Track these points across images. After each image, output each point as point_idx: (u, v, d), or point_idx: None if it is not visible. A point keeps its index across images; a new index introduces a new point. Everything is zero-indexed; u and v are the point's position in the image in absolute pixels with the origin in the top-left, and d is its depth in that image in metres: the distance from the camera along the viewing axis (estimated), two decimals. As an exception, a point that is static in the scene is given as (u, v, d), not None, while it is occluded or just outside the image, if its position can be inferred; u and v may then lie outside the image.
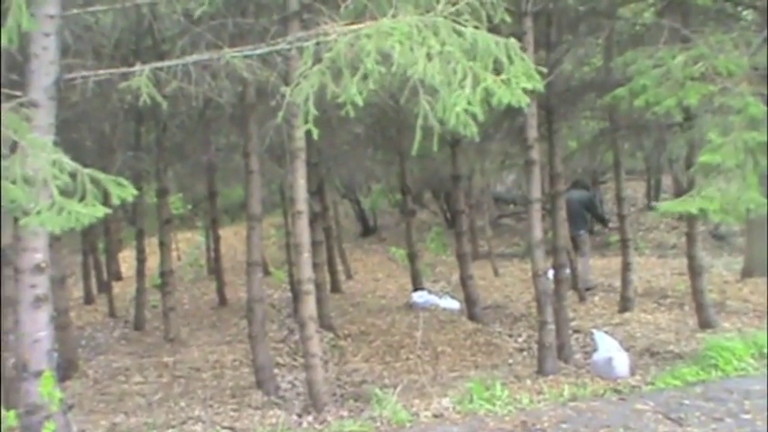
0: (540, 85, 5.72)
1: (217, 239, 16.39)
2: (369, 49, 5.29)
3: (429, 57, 5.31)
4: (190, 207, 25.49)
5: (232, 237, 22.79)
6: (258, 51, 6.65)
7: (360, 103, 5.36)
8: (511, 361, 10.08)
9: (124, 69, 6.56)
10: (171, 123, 12.06)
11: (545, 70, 6.05)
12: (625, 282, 12.27)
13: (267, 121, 9.19)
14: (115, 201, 5.56)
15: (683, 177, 17.45)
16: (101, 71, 6.64)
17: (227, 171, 15.45)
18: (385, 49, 5.30)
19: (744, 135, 6.87)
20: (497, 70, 5.51)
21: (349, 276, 18.31)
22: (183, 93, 7.64)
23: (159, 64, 6.67)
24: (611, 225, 17.87)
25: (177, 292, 14.19)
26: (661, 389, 7.66)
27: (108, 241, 18.64)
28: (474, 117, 5.34)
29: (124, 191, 5.58)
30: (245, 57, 6.70)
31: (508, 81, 5.47)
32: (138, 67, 6.26)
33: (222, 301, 15.53)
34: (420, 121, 5.39)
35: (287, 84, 6.48)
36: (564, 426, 6.69)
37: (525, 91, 5.56)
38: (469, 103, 5.29)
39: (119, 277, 19.01)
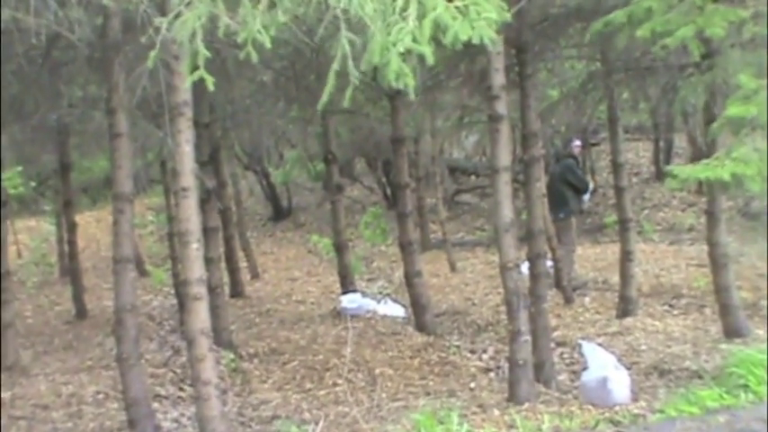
0: (507, 16, 5.71)
1: (72, 228, 16.18)
2: (276, -33, 5.26)
3: (357, -23, 5.27)
4: (33, 185, 25.14)
5: (93, 225, 22.59)
6: (123, -31, 6.59)
7: (267, 43, 5.32)
8: (473, 385, 10.17)
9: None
10: (4, 69, 11.86)
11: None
12: (625, 277, 12.44)
13: (138, 66, 9.09)
14: None
15: (701, 136, 17.79)
16: None
17: (85, 135, 15.27)
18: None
19: (785, 77, 6.92)
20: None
21: (255, 276, 18.29)
22: (18, 26, 7.51)
23: (-15, -13, 6.57)
24: (608, 202, 18.04)
25: (17, 302, 14.00)
26: (673, 418, 7.76)
27: None
28: (422, 60, 5.31)
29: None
30: (106, -24, 6.64)
31: (466, 9, 5.42)
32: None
33: (81, 312, 15.37)
34: (336, 66, 5.36)
35: (163, 13, 6.42)
36: (544, 470, 6.80)
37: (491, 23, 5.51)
38: (414, 40, 5.25)
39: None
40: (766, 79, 6.98)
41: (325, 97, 5.42)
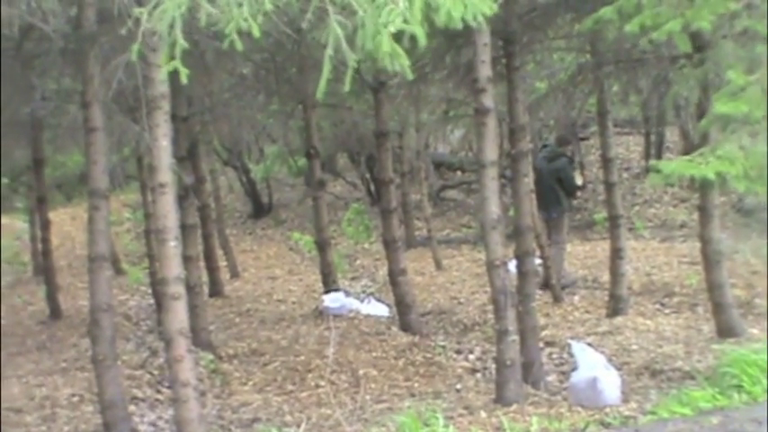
0: (493, 7, 5.69)
1: (45, 226, 16.15)
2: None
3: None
4: (6, 181, 25.06)
5: (68, 222, 22.51)
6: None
7: (255, 32, 5.29)
8: (459, 386, 10.18)
9: None
10: (-25, 62, 11.84)
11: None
12: (615, 275, 12.44)
13: (114, 58, 9.07)
14: None
15: (693, 130, 17.80)
16: None
17: (59, 129, 15.22)
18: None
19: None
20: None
21: (235, 274, 18.26)
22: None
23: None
24: (598, 197, 18.02)
25: (-10, 302, 13.97)
26: (665, 420, 7.75)
27: None
28: (414, 42, 5.27)
29: None
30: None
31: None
32: None
33: (55, 312, 15.33)
34: (330, 51, 5.32)
35: (140, 3, 6.40)
36: (532, 473, 6.80)
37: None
38: (406, 21, 5.21)
39: None
40: (756, 75, 6.97)
41: (322, 84, 5.35)
